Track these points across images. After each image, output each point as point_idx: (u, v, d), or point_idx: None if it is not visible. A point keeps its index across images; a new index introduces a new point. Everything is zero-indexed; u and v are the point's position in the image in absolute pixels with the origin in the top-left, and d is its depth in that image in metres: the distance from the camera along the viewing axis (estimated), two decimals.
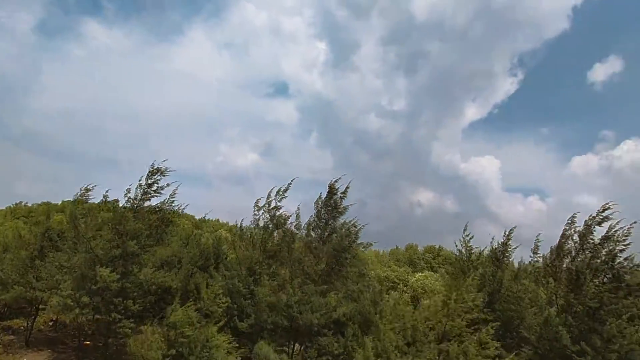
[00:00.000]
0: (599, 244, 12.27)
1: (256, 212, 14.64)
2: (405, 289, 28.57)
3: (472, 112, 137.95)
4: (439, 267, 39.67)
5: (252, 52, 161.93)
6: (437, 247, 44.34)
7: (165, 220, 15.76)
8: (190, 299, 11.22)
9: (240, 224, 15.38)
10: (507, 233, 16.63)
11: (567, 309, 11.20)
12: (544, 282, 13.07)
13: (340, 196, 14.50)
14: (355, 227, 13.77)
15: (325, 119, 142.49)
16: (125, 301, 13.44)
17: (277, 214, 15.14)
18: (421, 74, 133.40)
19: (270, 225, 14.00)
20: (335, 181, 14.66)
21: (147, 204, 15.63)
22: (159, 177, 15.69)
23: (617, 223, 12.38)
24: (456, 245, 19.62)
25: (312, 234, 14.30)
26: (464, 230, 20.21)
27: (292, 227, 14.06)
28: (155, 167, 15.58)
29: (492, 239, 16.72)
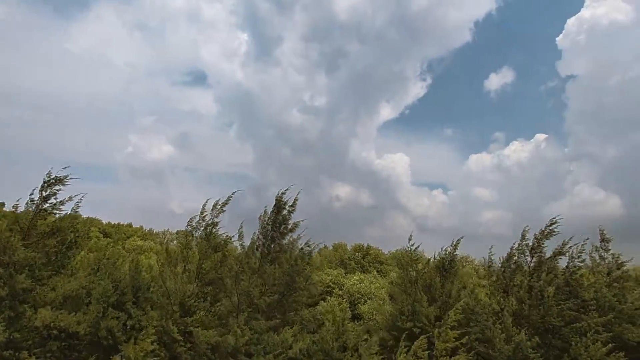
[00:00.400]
0: (550, 258, 12.42)
1: (190, 233, 12.29)
2: (341, 293, 27.94)
3: (387, 112, 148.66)
4: (369, 265, 40.11)
5: (168, 37, 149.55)
6: (365, 245, 44.83)
7: (67, 243, 12.65)
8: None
9: (166, 245, 12.86)
10: (454, 243, 16.44)
11: (534, 329, 11.10)
12: (499, 298, 12.96)
13: (289, 210, 12.85)
14: (309, 246, 12.26)
15: (246, 112, 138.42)
16: (18, 353, 10.34)
17: (214, 231, 12.99)
18: (341, 72, 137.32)
19: (207, 249, 11.78)
20: (283, 193, 12.95)
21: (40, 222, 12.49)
22: (57, 188, 12.57)
23: (570, 239, 12.66)
24: (402, 258, 19.24)
25: (258, 254, 12.45)
26: (409, 239, 19.90)
27: (238, 249, 12.05)
28: (52, 177, 12.41)
29: (442, 249, 16.43)
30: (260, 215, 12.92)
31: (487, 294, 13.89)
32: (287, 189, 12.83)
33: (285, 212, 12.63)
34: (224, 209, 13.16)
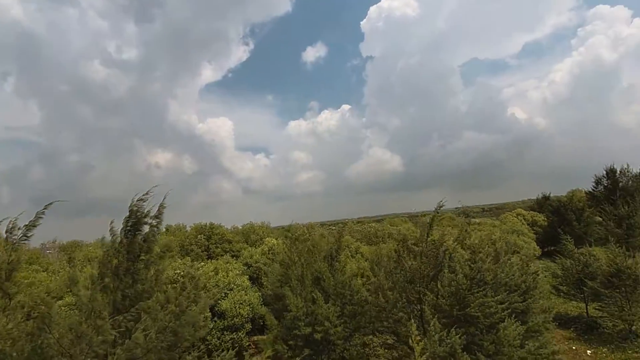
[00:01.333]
0: (436, 247, 12.11)
1: None
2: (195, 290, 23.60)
3: (209, 74, 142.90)
4: (216, 247, 36.22)
5: None
6: (207, 224, 40.23)
7: None
8: None
9: None
10: (339, 230, 15.01)
11: (452, 322, 10.50)
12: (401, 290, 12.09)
13: (153, 224, 8.55)
14: (193, 277, 8.38)
15: (29, 61, 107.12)
16: None
17: (13, 275, 7.68)
18: (156, 24, 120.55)
19: (8, 316, 6.51)
20: (140, 199, 8.47)
21: None
22: None
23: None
24: (285, 251, 16.82)
25: (106, 300, 7.84)
26: (288, 229, 17.58)
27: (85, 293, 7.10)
28: None
29: (332, 249, 14.68)
30: (104, 241, 8.22)
31: (390, 286, 12.99)
32: (146, 193, 8.42)
33: (147, 229, 8.30)
34: (29, 234, 7.93)
